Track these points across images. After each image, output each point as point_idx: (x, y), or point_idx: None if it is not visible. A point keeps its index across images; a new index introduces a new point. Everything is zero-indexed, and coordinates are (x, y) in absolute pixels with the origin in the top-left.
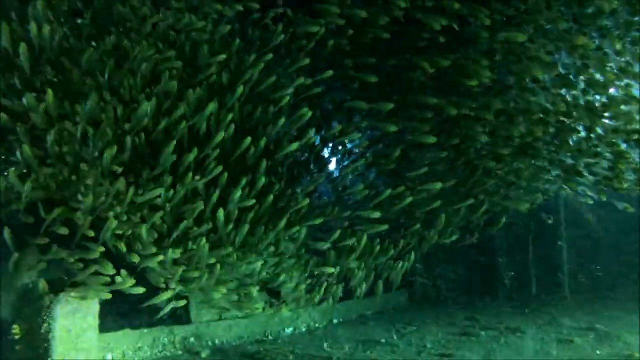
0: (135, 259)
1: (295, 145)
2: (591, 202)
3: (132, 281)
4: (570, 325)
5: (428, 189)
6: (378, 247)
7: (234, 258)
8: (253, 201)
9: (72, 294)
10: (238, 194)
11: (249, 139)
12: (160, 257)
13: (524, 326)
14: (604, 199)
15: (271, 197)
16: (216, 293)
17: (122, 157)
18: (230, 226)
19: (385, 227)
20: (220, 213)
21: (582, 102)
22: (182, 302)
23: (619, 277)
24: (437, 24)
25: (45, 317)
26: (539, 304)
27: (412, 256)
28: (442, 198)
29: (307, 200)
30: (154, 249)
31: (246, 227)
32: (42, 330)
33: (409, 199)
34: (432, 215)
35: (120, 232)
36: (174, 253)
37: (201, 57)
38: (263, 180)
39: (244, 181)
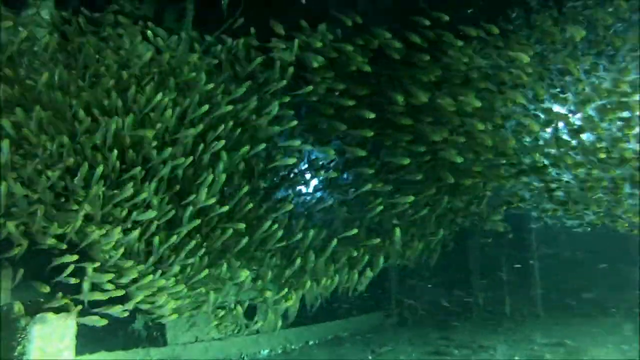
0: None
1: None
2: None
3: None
4: (541, 342)
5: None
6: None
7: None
8: (242, 225)
9: (50, 315)
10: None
11: (246, 148)
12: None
13: (496, 344)
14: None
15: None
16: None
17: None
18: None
19: (377, 241)
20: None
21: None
22: (175, 316)
23: (590, 293)
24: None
25: (20, 340)
26: (512, 322)
27: (381, 261)
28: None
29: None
30: (135, 274)
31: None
32: (16, 353)
33: (380, 208)
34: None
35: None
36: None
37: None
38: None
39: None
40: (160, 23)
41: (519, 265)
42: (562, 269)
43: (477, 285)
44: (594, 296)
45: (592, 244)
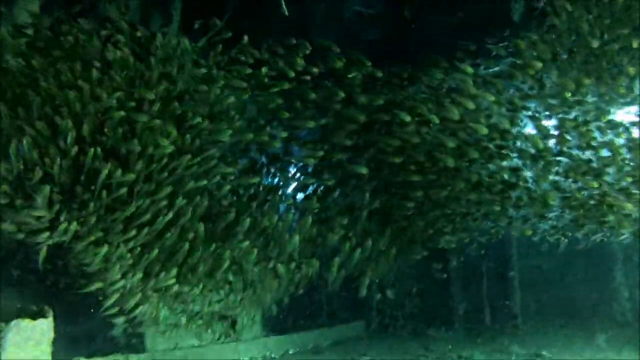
0: None
1: None
2: None
3: None
4: (519, 352)
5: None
6: None
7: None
8: None
9: (26, 321)
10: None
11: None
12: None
13: (475, 354)
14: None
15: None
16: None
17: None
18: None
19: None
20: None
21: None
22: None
23: (569, 306)
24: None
25: None
26: (492, 333)
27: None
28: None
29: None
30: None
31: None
32: None
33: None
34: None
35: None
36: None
37: None
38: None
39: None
40: (147, 29)
41: (499, 277)
42: (542, 281)
43: (458, 296)
44: (572, 308)
45: (570, 256)
